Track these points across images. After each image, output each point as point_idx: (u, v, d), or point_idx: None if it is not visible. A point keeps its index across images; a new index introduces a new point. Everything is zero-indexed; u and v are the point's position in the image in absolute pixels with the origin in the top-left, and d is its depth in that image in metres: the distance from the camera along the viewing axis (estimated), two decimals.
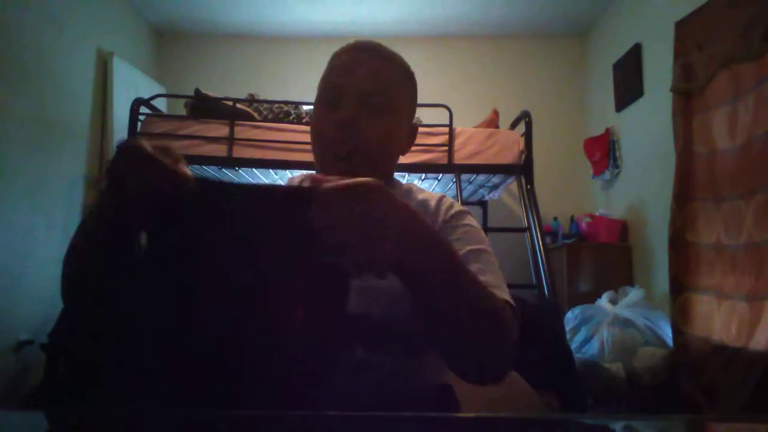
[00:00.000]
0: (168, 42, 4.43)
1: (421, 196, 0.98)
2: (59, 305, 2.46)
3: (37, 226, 2.88)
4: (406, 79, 0.98)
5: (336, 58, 0.96)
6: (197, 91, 3.01)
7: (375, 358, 0.82)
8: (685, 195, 2.68)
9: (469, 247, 0.88)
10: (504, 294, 0.83)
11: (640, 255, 3.48)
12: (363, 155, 0.88)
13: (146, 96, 3.13)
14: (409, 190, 1.00)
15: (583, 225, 3.74)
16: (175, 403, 0.60)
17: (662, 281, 2.93)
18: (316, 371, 0.68)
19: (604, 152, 3.89)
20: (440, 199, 0.97)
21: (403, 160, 3.17)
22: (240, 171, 3.04)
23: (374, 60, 0.93)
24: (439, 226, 0.91)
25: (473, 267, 0.84)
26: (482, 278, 0.81)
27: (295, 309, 0.67)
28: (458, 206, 0.95)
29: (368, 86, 0.90)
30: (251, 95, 3.16)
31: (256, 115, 3.03)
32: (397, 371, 0.83)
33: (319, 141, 0.91)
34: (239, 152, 2.86)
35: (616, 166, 3.81)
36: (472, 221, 0.94)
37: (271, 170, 2.99)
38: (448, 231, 0.91)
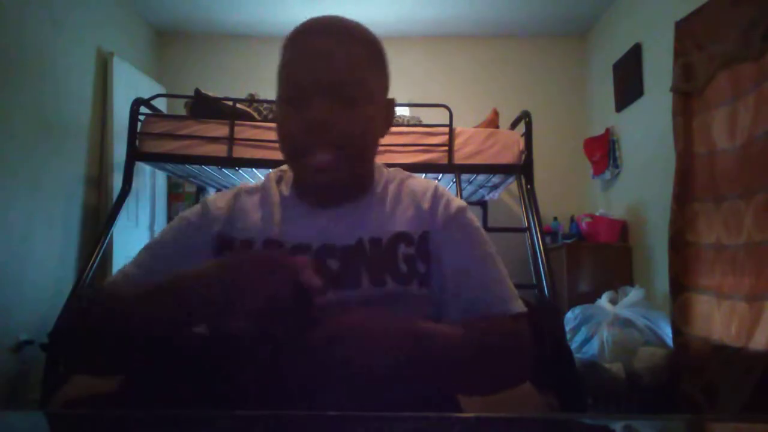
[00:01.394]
0: (168, 42, 4.43)
1: (411, 185, 0.91)
2: (59, 305, 2.47)
3: (37, 226, 2.88)
4: (375, 53, 0.86)
5: (292, 44, 0.82)
6: (197, 91, 3.01)
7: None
8: (685, 195, 2.68)
9: (476, 252, 0.84)
10: (514, 302, 0.83)
11: (640, 255, 3.48)
12: (343, 160, 0.80)
13: (146, 96, 3.12)
14: (394, 178, 0.92)
15: (583, 225, 3.74)
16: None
17: (662, 281, 2.93)
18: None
19: (604, 152, 3.89)
20: (435, 193, 0.89)
21: (403, 160, 3.13)
22: (240, 171, 3.04)
23: (337, 42, 0.80)
24: (438, 225, 0.85)
25: (484, 273, 0.83)
26: (495, 289, 0.82)
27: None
28: (457, 201, 0.89)
29: (336, 76, 0.78)
30: (251, 95, 3.16)
31: (256, 115, 3.03)
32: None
33: (289, 148, 0.82)
34: (239, 152, 2.86)
35: (616, 166, 3.81)
36: (473, 219, 0.89)
37: (270, 170, 2.98)
38: (450, 232, 0.85)
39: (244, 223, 0.87)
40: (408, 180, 0.92)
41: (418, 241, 0.83)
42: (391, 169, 0.96)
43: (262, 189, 0.92)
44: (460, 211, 0.87)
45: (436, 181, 0.96)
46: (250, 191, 0.92)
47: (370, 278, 0.80)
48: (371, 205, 0.87)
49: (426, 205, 0.87)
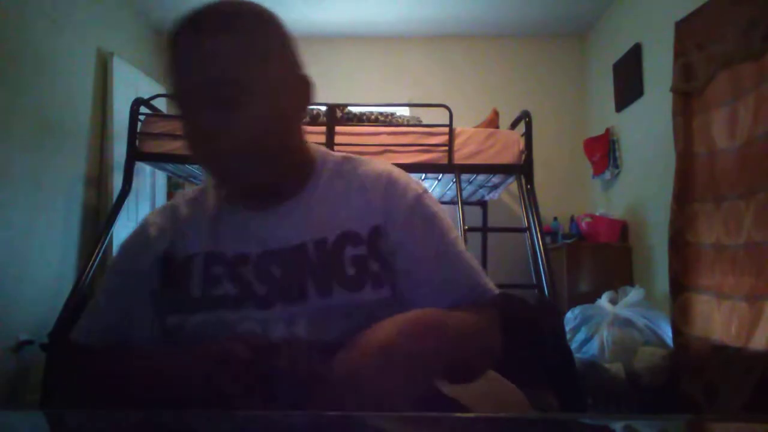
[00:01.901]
0: None
1: (362, 173, 0.82)
2: (59, 305, 2.47)
3: (37, 226, 2.88)
4: (263, 35, 0.75)
5: (170, 45, 0.74)
6: None
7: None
8: (685, 195, 2.68)
9: (441, 240, 0.80)
10: (488, 284, 0.82)
11: (640, 255, 3.48)
12: (249, 164, 0.74)
13: (146, 96, 3.12)
14: (342, 167, 0.84)
15: (583, 225, 3.74)
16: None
17: (662, 281, 2.93)
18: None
19: (604, 152, 3.89)
20: (389, 180, 0.81)
21: (403, 160, 3.11)
22: None
23: (217, 36, 0.71)
24: (394, 216, 0.78)
25: (453, 263, 0.80)
26: (467, 276, 0.80)
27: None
28: (413, 187, 0.82)
29: (214, 79, 0.70)
30: None
31: None
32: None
33: (193, 158, 0.75)
34: None
35: (616, 166, 3.81)
36: (432, 203, 0.83)
37: None
38: (409, 222, 0.78)
39: (185, 237, 0.82)
40: (359, 168, 0.83)
41: (369, 238, 0.77)
42: (340, 154, 0.87)
43: (201, 196, 0.87)
44: (418, 198, 0.81)
45: (391, 165, 0.85)
46: (189, 200, 0.87)
47: (317, 288, 0.74)
48: (314, 200, 0.80)
49: (378, 195, 0.79)
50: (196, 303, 0.76)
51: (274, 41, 0.77)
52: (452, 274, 0.79)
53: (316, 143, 0.89)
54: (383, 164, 0.85)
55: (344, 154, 0.88)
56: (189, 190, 0.91)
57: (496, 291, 0.82)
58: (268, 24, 0.77)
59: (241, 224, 0.81)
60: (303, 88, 0.80)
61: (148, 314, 0.80)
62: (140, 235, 0.85)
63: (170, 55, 0.73)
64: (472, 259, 0.82)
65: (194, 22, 0.74)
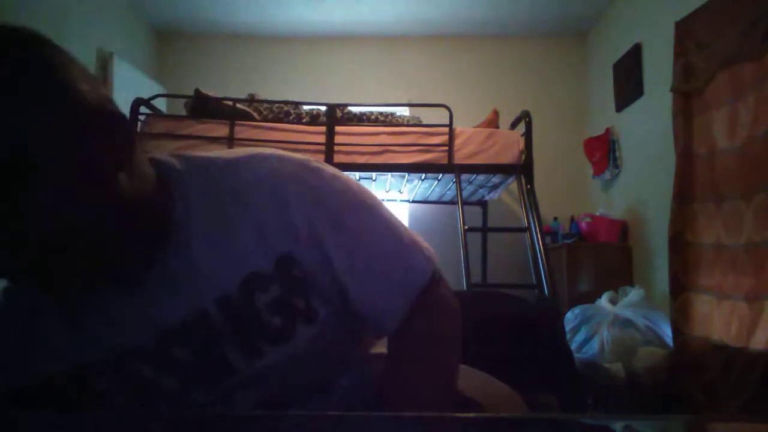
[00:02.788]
0: (168, 42, 4.42)
1: (238, 192, 0.61)
2: None
3: None
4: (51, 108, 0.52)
5: None
6: (197, 91, 3.00)
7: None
8: (685, 195, 2.68)
9: (360, 246, 0.66)
10: (425, 263, 0.71)
11: (640, 255, 3.48)
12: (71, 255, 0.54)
13: (146, 96, 3.12)
14: (209, 190, 0.62)
15: (583, 225, 3.74)
16: None
17: (662, 281, 2.93)
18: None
19: (604, 152, 3.89)
20: (274, 190, 0.61)
21: (403, 160, 3.14)
22: None
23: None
24: (301, 233, 0.62)
25: (383, 252, 0.67)
26: (402, 262, 0.69)
27: None
28: (303, 185, 0.63)
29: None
30: (251, 95, 3.16)
31: (256, 115, 3.03)
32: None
33: None
34: None
35: (616, 166, 3.81)
36: (328, 184, 0.65)
37: None
38: (321, 233, 0.62)
39: (35, 349, 0.62)
40: (232, 182, 0.62)
41: (279, 273, 0.61)
42: (196, 161, 0.64)
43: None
44: (315, 199, 0.63)
45: (265, 159, 0.64)
46: (26, 290, 0.64)
47: (243, 354, 0.62)
48: (189, 250, 0.60)
49: (268, 213, 0.61)
50: None
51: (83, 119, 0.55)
52: (385, 274, 0.68)
53: (174, 154, 0.65)
54: (255, 162, 0.63)
55: (199, 158, 0.64)
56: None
57: (433, 264, 0.72)
58: (80, 92, 0.55)
59: (112, 313, 0.61)
60: (144, 173, 0.60)
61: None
62: None
63: None
64: (400, 234, 0.70)
65: None
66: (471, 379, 0.76)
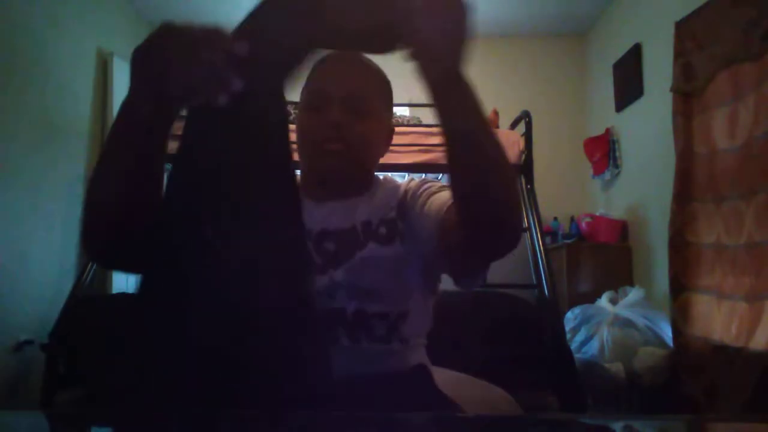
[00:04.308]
0: None
1: (395, 186, 1.05)
2: (59, 305, 2.47)
3: (37, 226, 2.88)
4: (384, 86, 1.05)
5: (319, 66, 0.99)
6: None
7: (350, 342, 0.89)
8: (685, 195, 2.68)
9: (426, 184, 0.98)
10: None
11: (640, 255, 3.48)
12: (350, 154, 0.96)
13: None
14: (385, 187, 1.06)
15: (583, 225, 3.74)
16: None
17: (662, 281, 2.93)
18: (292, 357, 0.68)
19: (604, 152, 3.89)
20: (405, 184, 1.04)
21: (403, 159, 3.13)
22: None
23: (355, 68, 1.00)
24: (404, 193, 1.00)
25: (439, 193, 0.94)
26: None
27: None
28: (414, 180, 1.04)
29: (352, 92, 0.96)
30: None
31: None
32: (371, 355, 0.90)
33: (308, 142, 0.98)
34: None
35: (616, 166, 3.81)
36: (420, 178, 1.05)
37: None
38: (411, 189, 0.99)
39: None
40: (393, 184, 1.08)
41: (396, 209, 0.99)
42: (380, 176, 1.10)
43: None
44: (409, 181, 1.04)
45: (412, 178, 1.09)
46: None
47: (360, 248, 0.95)
48: (364, 202, 1.01)
49: (400, 192, 1.03)
50: None
51: (390, 92, 1.06)
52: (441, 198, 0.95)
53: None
54: (397, 180, 1.11)
55: (382, 176, 1.12)
56: None
57: None
58: (388, 80, 1.05)
59: (307, 210, 0.91)
60: (391, 132, 1.07)
61: None
62: None
63: (321, 71, 0.98)
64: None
65: (346, 57, 0.99)
66: (472, 389, 0.78)
